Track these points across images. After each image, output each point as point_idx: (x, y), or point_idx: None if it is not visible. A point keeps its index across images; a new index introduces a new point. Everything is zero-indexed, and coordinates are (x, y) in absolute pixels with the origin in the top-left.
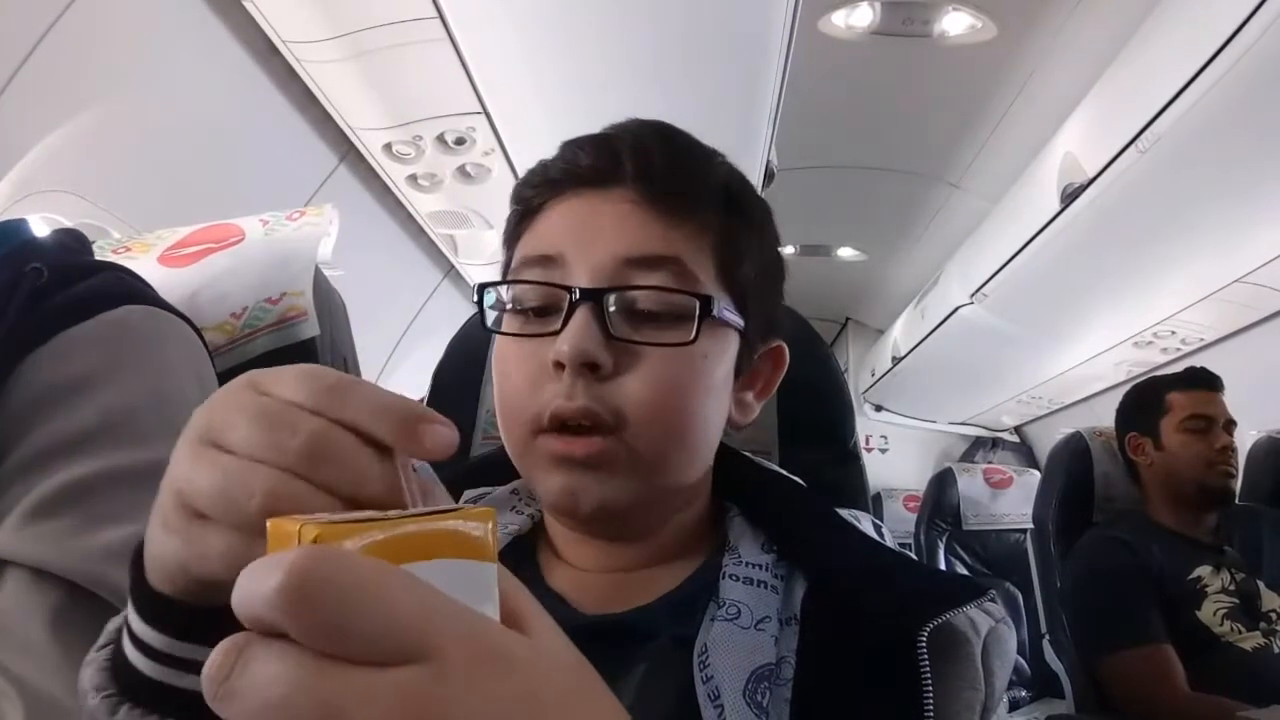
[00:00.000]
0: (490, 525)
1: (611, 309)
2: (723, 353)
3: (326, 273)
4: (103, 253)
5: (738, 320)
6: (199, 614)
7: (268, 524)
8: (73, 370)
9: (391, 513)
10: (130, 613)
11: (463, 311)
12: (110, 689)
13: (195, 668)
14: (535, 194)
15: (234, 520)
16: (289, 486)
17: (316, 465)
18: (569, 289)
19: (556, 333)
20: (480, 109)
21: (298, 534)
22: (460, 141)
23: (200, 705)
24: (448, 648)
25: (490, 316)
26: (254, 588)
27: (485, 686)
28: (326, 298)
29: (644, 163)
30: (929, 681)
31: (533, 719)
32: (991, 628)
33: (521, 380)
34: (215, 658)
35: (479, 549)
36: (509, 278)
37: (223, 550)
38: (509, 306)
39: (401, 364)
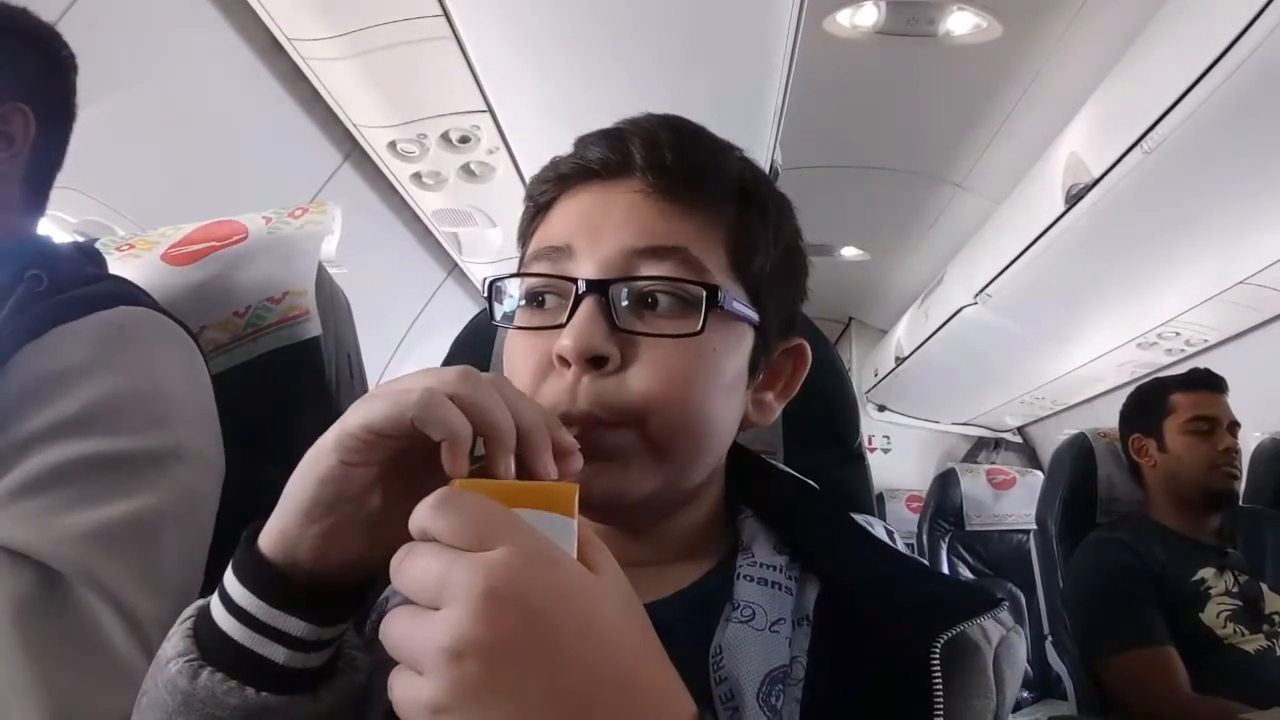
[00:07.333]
0: (574, 494)
1: (623, 303)
2: (734, 347)
3: (330, 270)
4: (106, 250)
5: (750, 314)
6: (295, 588)
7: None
8: (63, 361)
9: (517, 480)
10: (230, 579)
11: (466, 309)
12: (193, 654)
13: (283, 638)
14: (547, 189)
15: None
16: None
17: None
18: (574, 281)
19: (563, 326)
20: (485, 107)
21: (454, 483)
22: (464, 140)
23: (275, 679)
24: (513, 544)
25: (501, 313)
26: (418, 509)
27: (537, 572)
28: (330, 296)
29: (654, 154)
30: (940, 691)
31: (575, 605)
32: (1003, 636)
33: (527, 373)
34: (396, 554)
35: (565, 508)
36: (518, 271)
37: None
38: (520, 303)
39: (405, 362)
